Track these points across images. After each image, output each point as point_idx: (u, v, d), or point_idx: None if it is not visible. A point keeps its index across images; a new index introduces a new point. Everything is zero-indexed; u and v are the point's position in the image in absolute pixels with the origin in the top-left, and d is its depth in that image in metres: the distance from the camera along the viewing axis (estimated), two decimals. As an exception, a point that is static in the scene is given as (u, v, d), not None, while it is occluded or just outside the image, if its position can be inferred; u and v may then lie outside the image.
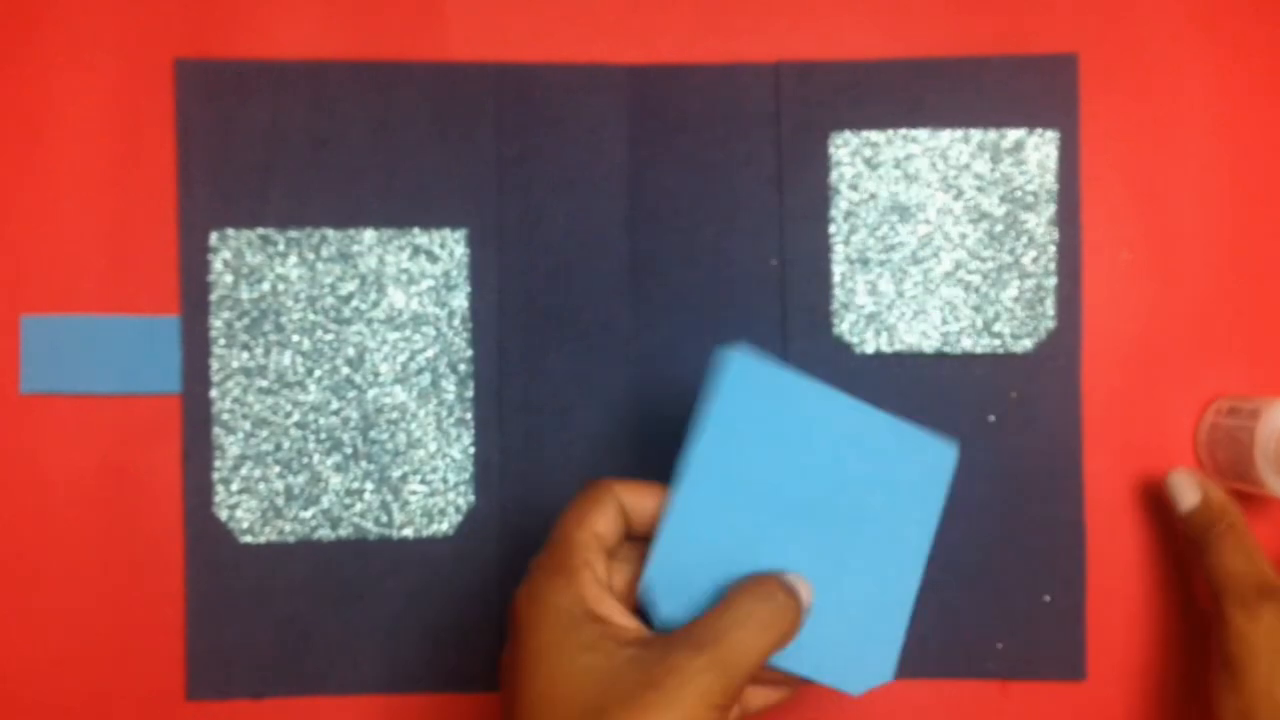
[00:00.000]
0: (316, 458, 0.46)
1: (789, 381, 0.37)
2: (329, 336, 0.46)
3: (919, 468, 0.38)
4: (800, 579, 0.36)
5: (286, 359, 0.46)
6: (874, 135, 0.47)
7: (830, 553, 0.37)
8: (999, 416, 0.46)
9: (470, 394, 0.46)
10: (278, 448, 0.46)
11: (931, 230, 0.47)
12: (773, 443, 0.37)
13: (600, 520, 0.36)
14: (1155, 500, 0.47)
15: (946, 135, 0.47)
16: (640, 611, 0.37)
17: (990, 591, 0.46)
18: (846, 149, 0.47)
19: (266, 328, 0.46)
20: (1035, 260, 0.46)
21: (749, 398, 0.36)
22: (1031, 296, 0.46)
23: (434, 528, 0.46)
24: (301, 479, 0.46)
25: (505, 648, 0.36)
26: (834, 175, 0.47)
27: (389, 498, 0.46)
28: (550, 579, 0.35)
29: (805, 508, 0.37)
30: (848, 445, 0.37)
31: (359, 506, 0.46)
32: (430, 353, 0.46)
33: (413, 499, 0.46)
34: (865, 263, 0.47)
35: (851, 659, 0.37)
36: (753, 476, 0.37)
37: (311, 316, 0.46)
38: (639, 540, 0.37)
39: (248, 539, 0.46)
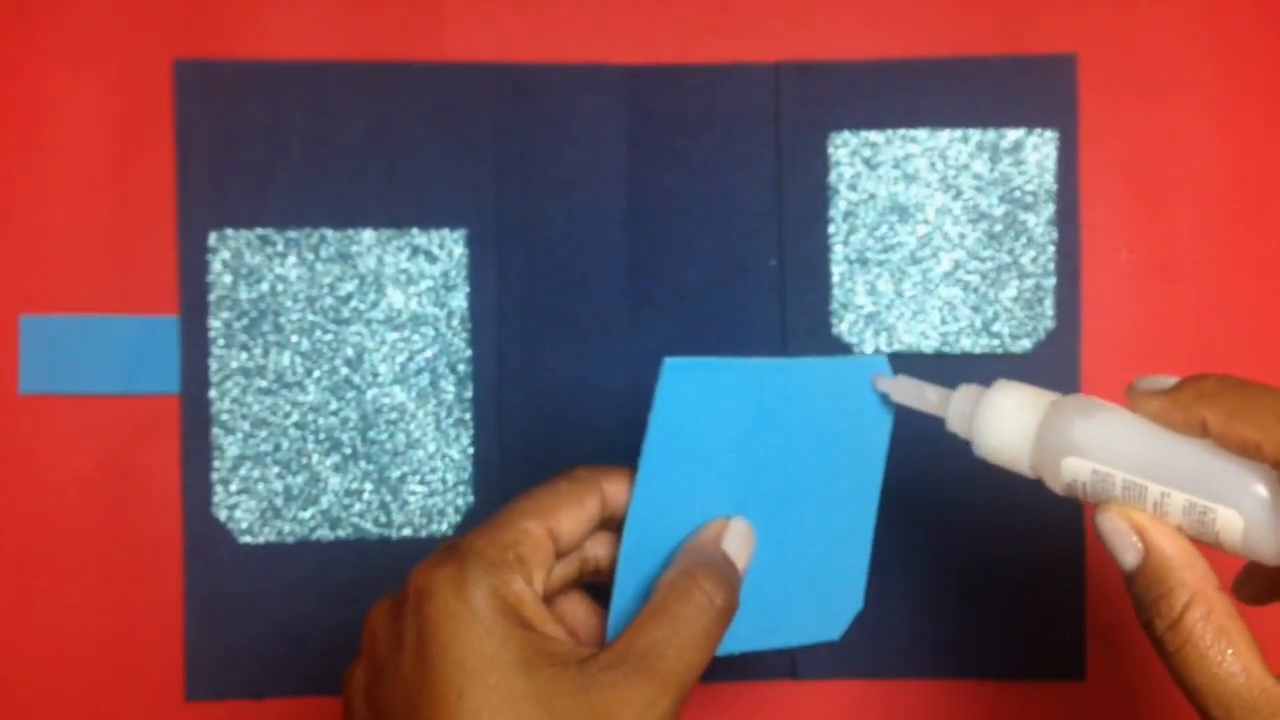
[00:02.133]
0: (315, 458, 0.46)
1: (721, 369, 0.34)
2: (328, 337, 0.46)
3: (859, 393, 0.36)
4: (734, 533, 0.33)
5: (285, 359, 0.46)
6: (873, 135, 0.47)
7: (787, 519, 0.35)
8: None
9: (469, 394, 0.46)
10: (277, 448, 0.46)
11: (930, 230, 0.47)
12: (717, 436, 0.34)
13: (566, 519, 0.32)
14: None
15: (945, 135, 0.47)
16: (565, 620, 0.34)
17: (990, 592, 0.46)
18: (846, 149, 0.47)
19: (265, 328, 0.46)
20: (1034, 260, 0.46)
21: (687, 400, 0.33)
22: (1030, 296, 0.46)
23: (433, 528, 0.46)
24: (300, 479, 0.46)
25: (381, 646, 0.31)
26: (833, 175, 0.47)
27: (388, 498, 0.46)
28: (494, 571, 0.30)
29: (757, 485, 0.35)
30: (785, 404, 0.35)
31: (358, 507, 0.46)
32: (429, 353, 0.46)
33: (412, 499, 0.46)
34: (864, 263, 0.47)
35: (820, 610, 0.36)
36: (702, 478, 0.34)
37: (310, 317, 0.46)
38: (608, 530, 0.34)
39: (247, 539, 0.46)
